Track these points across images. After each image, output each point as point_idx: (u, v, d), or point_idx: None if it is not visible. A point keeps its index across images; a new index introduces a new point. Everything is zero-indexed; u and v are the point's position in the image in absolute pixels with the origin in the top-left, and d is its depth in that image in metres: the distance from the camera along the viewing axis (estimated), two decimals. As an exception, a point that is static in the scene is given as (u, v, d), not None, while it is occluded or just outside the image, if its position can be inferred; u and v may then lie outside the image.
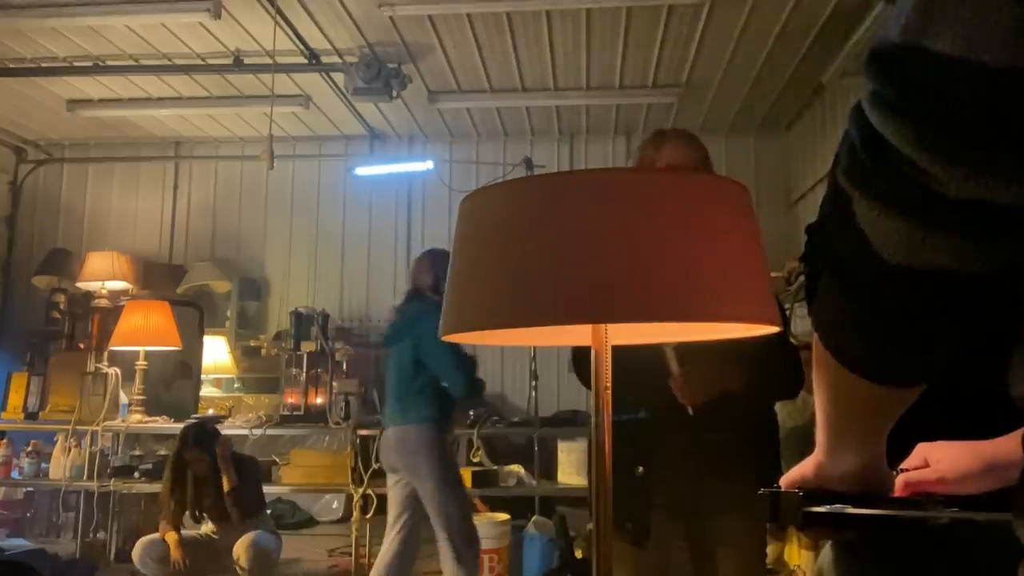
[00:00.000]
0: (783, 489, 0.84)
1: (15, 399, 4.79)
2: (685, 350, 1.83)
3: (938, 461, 0.84)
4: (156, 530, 3.94)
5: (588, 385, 1.88)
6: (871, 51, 0.47)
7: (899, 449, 0.82)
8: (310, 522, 5.84)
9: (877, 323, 0.57)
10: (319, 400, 4.80)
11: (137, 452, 4.83)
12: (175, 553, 3.82)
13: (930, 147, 0.44)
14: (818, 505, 0.80)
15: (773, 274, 3.95)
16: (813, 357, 0.69)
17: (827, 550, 0.92)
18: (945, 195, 0.44)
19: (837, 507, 0.80)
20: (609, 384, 1.01)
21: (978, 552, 0.79)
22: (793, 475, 0.84)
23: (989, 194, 0.43)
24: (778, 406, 2.18)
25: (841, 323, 0.61)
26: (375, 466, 4.33)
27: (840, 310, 0.60)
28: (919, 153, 0.44)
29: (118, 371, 4.78)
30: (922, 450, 0.87)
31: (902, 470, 0.86)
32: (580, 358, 1.97)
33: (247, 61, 5.29)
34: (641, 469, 1.86)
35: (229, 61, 5.33)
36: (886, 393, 0.64)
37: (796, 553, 4.02)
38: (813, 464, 0.81)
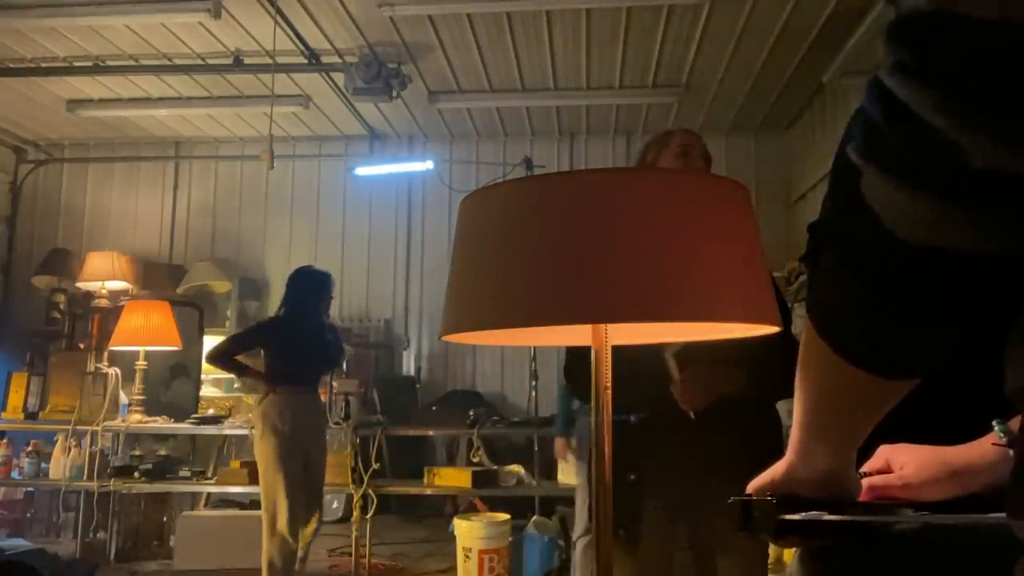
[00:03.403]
0: (754, 497, 0.79)
1: (15, 399, 4.78)
2: (685, 355, 1.82)
3: (902, 466, 0.81)
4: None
5: (580, 396, 1.85)
6: (897, 20, 0.45)
7: (867, 450, 0.79)
8: (310, 522, 5.83)
9: (884, 307, 0.54)
10: (319, 400, 4.80)
11: (137, 452, 4.83)
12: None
13: (957, 114, 0.42)
14: (791, 512, 0.75)
15: (773, 274, 3.95)
16: (800, 348, 0.66)
17: (795, 559, 0.89)
18: (967, 166, 0.42)
19: (813, 514, 0.75)
20: (609, 384, 1.01)
21: (949, 557, 0.77)
22: (763, 480, 0.80)
23: (1015, 164, 0.41)
24: (779, 405, 2.17)
25: (843, 309, 0.58)
26: (375, 466, 4.34)
27: (844, 295, 0.57)
28: (945, 119, 0.42)
29: (118, 371, 4.78)
30: (884, 452, 0.83)
31: (864, 473, 0.82)
32: (574, 364, 1.94)
33: (247, 61, 5.29)
34: (632, 477, 1.85)
35: (229, 61, 5.33)
36: (877, 387, 0.62)
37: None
38: (784, 465, 0.77)
